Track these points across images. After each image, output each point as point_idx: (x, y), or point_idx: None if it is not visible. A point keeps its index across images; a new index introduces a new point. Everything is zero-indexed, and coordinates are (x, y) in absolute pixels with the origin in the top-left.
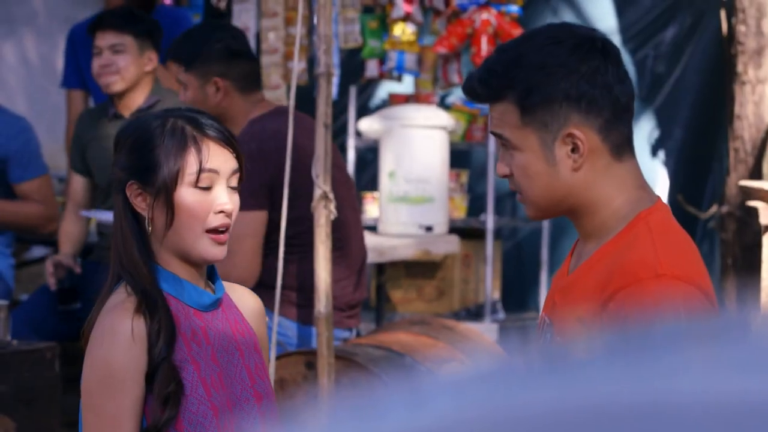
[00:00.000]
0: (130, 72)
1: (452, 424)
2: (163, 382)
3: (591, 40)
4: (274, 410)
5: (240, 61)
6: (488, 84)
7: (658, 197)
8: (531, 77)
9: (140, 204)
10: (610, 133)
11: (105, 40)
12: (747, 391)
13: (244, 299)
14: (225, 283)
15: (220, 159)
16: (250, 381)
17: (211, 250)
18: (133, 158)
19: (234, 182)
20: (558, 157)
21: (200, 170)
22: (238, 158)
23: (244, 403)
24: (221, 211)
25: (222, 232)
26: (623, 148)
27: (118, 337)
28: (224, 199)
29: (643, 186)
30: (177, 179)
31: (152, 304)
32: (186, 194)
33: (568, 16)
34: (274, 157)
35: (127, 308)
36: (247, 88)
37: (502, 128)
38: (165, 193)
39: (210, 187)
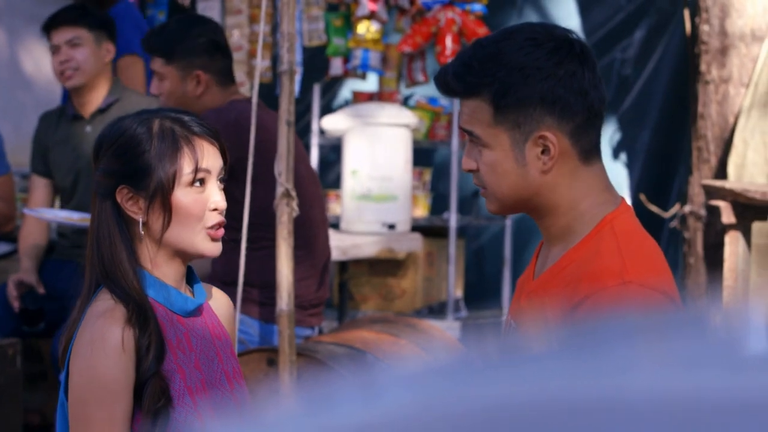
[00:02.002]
0: (89, 64)
1: (406, 416)
2: (152, 397)
3: (569, 43)
4: None
5: (220, 55)
6: (463, 79)
7: (622, 198)
8: (507, 77)
9: (132, 208)
10: (581, 138)
11: (61, 36)
12: (697, 388)
13: (217, 300)
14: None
15: (211, 156)
16: (229, 386)
17: (210, 246)
18: (122, 163)
19: (220, 176)
20: (528, 158)
21: (196, 170)
22: (223, 153)
23: (225, 410)
24: (215, 209)
25: (217, 229)
26: (591, 152)
27: (107, 345)
28: (218, 197)
29: (607, 188)
30: (174, 181)
31: (143, 317)
32: (182, 195)
33: (532, 17)
34: (246, 137)
35: (116, 317)
36: (225, 82)
37: (472, 125)
38: (161, 195)
39: (203, 186)
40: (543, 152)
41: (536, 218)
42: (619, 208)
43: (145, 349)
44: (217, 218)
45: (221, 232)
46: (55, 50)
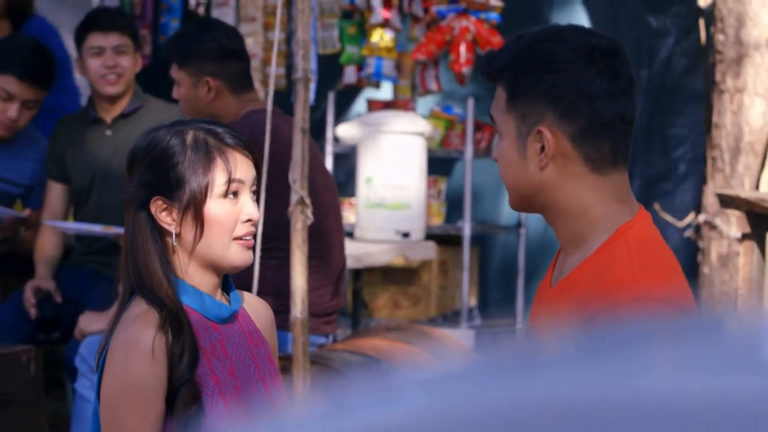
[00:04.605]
0: (130, 73)
1: (421, 420)
2: (184, 403)
3: (592, 48)
4: None
5: (232, 60)
6: (490, 63)
7: (640, 206)
8: (523, 66)
9: (166, 219)
10: (584, 143)
11: (109, 40)
12: (714, 391)
13: (256, 308)
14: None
15: (244, 168)
16: (266, 393)
17: (241, 256)
18: (156, 174)
19: (253, 188)
20: (528, 152)
21: (230, 181)
22: (255, 163)
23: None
24: (248, 220)
25: (248, 239)
26: (603, 162)
27: (141, 348)
28: (251, 208)
29: (624, 200)
30: (207, 192)
31: (177, 324)
32: (215, 206)
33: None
34: (263, 152)
35: (150, 321)
36: (239, 88)
37: (493, 110)
38: (194, 207)
39: (236, 197)
40: (541, 149)
41: (548, 221)
42: (635, 218)
43: (178, 356)
44: (248, 228)
45: (251, 242)
46: (98, 52)
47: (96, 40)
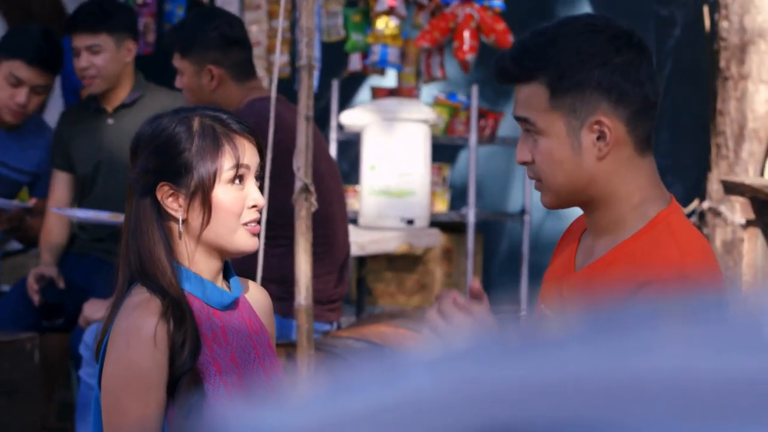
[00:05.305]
0: (109, 70)
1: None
2: (186, 392)
3: (628, 34)
4: None
5: (234, 49)
6: (521, 63)
7: (671, 196)
8: (566, 60)
9: (172, 205)
10: (637, 126)
11: (81, 40)
12: (718, 369)
13: (255, 295)
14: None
15: (250, 154)
16: (267, 380)
17: (248, 241)
18: (162, 161)
19: (257, 173)
20: (584, 145)
21: (237, 166)
22: (259, 149)
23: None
24: (254, 206)
25: (254, 225)
26: (646, 143)
27: (142, 335)
28: (256, 194)
29: (658, 185)
30: (215, 178)
31: (179, 312)
32: (222, 192)
33: (553, 13)
34: (266, 139)
35: (151, 309)
36: (242, 76)
37: (528, 111)
38: (202, 193)
39: (242, 183)
40: (598, 138)
41: (588, 211)
42: (671, 206)
43: (180, 345)
44: (254, 215)
45: (258, 227)
46: (75, 52)
47: (74, 41)
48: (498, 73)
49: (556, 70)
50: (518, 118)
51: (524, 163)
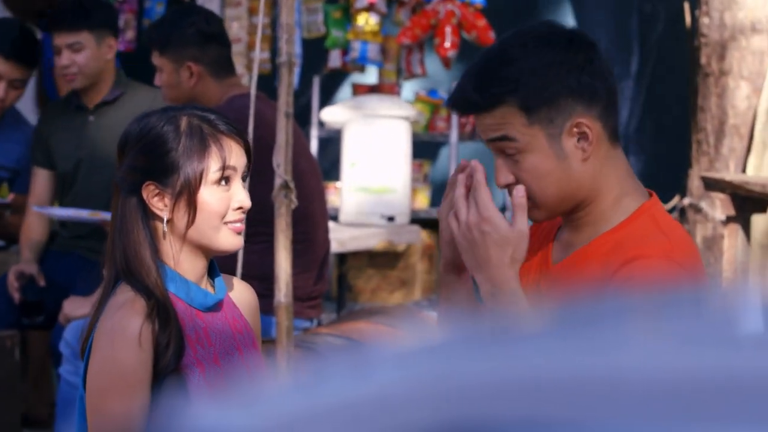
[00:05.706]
0: (90, 67)
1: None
2: (169, 393)
3: (577, 34)
4: None
5: (213, 45)
6: (487, 91)
7: (652, 191)
8: (532, 78)
9: (158, 205)
10: (608, 119)
11: (62, 39)
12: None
13: (240, 292)
14: (222, 277)
15: (237, 155)
16: (250, 381)
17: (232, 240)
18: (149, 160)
19: (244, 174)
20: (567, 150)
21: (224, 168)
22: (247, 150)
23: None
24: (239, 207)
25: (238, 224)
26: (616, 135)
27: (127, 335)
28: (242, 196)
29: (633, 175)
30: (201, 179)
31: (164, 313)
32: (208, 193)
33: (531, 8)
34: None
35: (136, 309)
36: (222, 73)
37: (505, 132)
38: (188, 193)
39: (228, 184)
40: (579, 140)
41: (575, 210)
42: (653, 200)
43: (164, 346)
44: (239, 216)
45: (241, 227)
46: (56, 50)
47: (55, 39)
48: (460, 106)
49: (525, 89)
50: (494, 140)
51: (507, 186)
